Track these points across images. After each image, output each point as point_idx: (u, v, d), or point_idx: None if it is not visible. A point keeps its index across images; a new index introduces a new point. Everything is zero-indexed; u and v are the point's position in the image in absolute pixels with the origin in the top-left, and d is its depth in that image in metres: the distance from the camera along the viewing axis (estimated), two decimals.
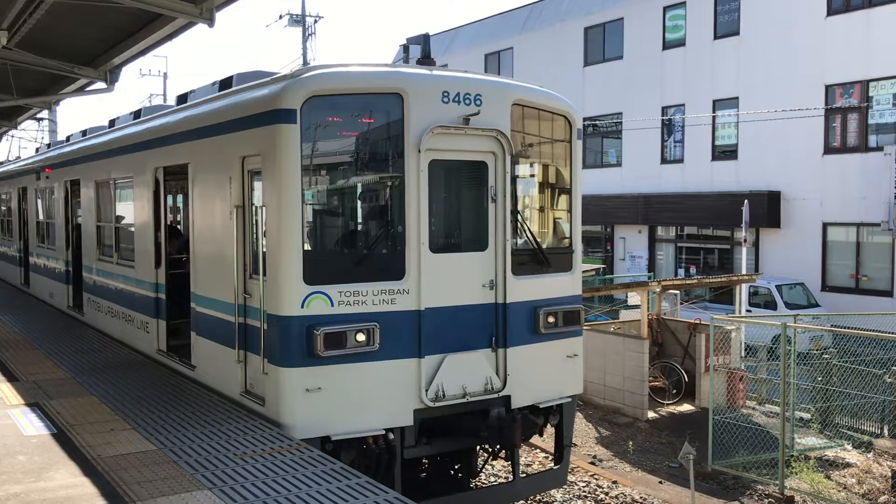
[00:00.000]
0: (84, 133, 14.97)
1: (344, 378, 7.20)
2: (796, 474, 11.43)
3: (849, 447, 12.64)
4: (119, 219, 11.73)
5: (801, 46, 23.86)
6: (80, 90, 16.72)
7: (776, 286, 21.26)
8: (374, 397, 7.34)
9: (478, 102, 7.76)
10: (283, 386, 7.12)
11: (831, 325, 16.80)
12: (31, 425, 7.31)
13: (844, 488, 11.14)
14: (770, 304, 20.95)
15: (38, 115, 24.82)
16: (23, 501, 5.47)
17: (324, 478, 5.97)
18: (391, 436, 7.41)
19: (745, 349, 15.78)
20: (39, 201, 16.59)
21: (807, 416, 13.54)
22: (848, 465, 12.03)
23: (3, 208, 21.04)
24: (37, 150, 20.41)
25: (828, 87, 23.42)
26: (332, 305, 7.14)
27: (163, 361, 9.87)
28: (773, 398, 14.47)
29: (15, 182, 19.03)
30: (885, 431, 12.90)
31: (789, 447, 11.82)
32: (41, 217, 16.40)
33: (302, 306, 7.05)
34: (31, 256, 17.19)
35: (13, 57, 13.46)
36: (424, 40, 8.29)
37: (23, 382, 8.97)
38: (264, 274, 7.35)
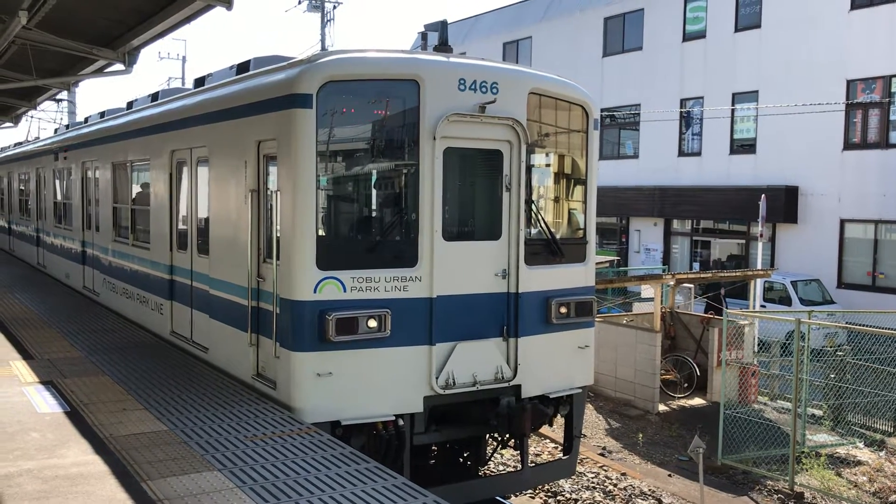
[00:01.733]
0: (102, 115, 15.04)
1: (355, 363, 7.22)
2: (807, 471, 11.39)
3: (861, 445, 12.57)
4: (135, 200, 11.80)
5: (823, 40, 23.60)
6: (99, 72, 16.77)
7: (791, 282, 21.13)
8: (385, 383, 7.36)
9: (494, 90, 7.73)
10: (294, 370, 7.15)
11: (846, 322, 16.69)
12: (45, 403, 7.38)
13: (855, 486, 11.09)
14: (785, 300, 20.83)
15: (57, 97, 24.96)
16: (35, 478, 5.53)
17: (333, 462, 5.99)
18: (401, 422, 7.44)
19: (759, 344, 15.70)
20: (57, 182, 16.70)
21: (819, 412, 13.47)
22: (859, 462, 11.97)
23: (22, 188, 21.20)
24: (55, 131, 20.50)
25: (849, 82, 23.16)
26: (345, 291, 7.16)
27: (176, 343, 9.93)
28: (785, 394, 14.40)
29: (33, 163, 19.17)
30: None
31: (800, 443, 11.78)
32: (58, 198, 16.51)
33: (314, 291, 7.07)
34: (48, 236, 17.32)
35: (33, 37, 13.52)
36: (442, 27, 8.26)
37: (37, 360, 9.06)
38: (278, 258, 7.37)
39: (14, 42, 13.83)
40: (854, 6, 23.05)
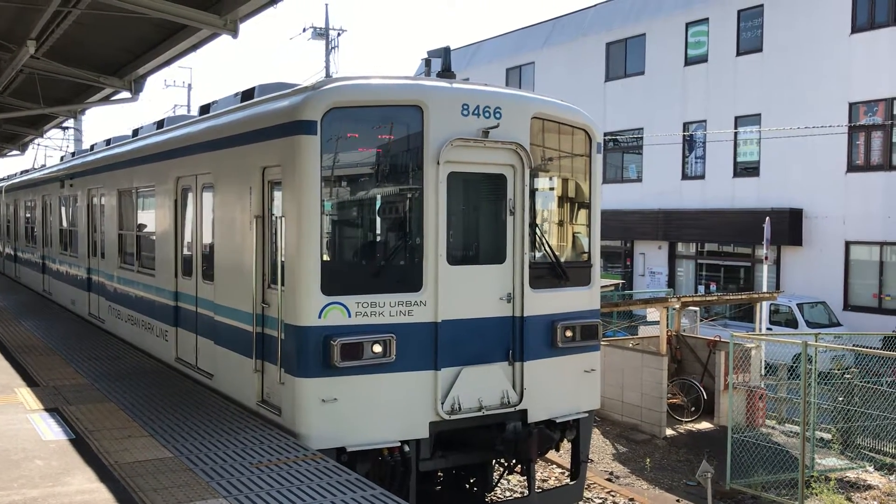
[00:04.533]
0: (108, 142, 15.14)
1: (360, 389, 7.20)
2: (816, 495, 11.27)
3: (870, 469, 12.45)
4: (140, 227, 11.84)
5: (824, 63, 23.71)
6: (105, 100, 16.93)
7: (797, 304, 21.05)
8: (390, 409, 7.34)
9: (497, 115, 7.78)
10: (299, 396, 7.13)
11: (853, 345, 16.61)
12: (50, 430, 7.36)
13: None
14: (791, 323, 20.74)
15: (64, 124, 25.14)
16: None
17: (338, 488, 5.96)
18: (406, 448, 7.40)
19: (766, 368, 15.61)
20: (63, 209, 16.78)
21: (827, 436, 13.37)
22: (869, 486, 11.86)
23: (28, 216, 21.29)
24: (61, 158, 20.64)
25: (851, 105, 23.23)
26: (350, 316, 7.16)
27: (181, 369, 9.92)
28: (793, 417, 14.30)
29: (39, 190, 19.27)
30: None
31: (809, 467, 11.68)
32: (64, 225, 16.58)
33: (319, 317, 7.07)
34: (54, 263, 17.37)
35: (40, 66, 13.67)
36: (445, 53, 8.33)
37: (43, 387, 9.05)
38: (283, 284, 7.38)
39: (22, 71, 13.99)
40: (855, 29, 23.18)
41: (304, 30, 39.60)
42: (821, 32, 23.86)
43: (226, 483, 5.99)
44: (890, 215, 22.13)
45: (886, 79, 22.34)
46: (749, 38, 26.19)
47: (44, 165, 24.22)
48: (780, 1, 25.07)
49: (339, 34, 39.26)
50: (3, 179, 28.29)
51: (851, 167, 23.35)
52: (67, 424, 7.54)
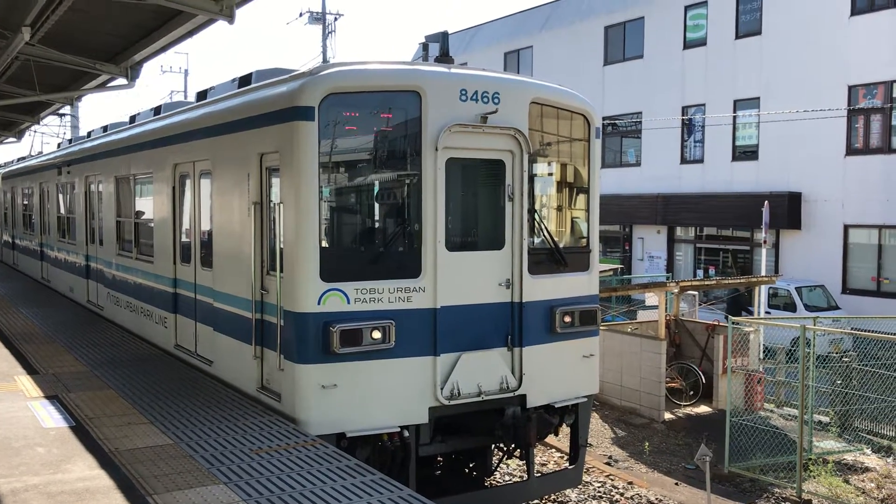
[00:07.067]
0: (105, 129, 15.09)
1: (359, 375, 7.22)
2: (814, 478, 11.33)
3: (868, 451, 12.51)
4: (139, 214, 11.82)
5: (824, 46, 23.62)
6: (102, 86, 16.85)
7: (796, 288, 21.08)
8: (390, 395, 7.36)
9: (496, 101, 7.75)
10: (299, 382, 7.15)
11: (852, 328, 16.64)
12: (50, 417, 7.38)
13: (863, 493, 11.03)
14: (790, 307, 20.77)
15: (60, 111, 25.02)
16: (41, 493, 5.52)
17: (339, 474, 5.98)
18: (406, 433, 7.42)
19: (764, 351, 15.65)
20: (60, 196, 16.74)
21: (825, 419, 13.42)
22: (867, 469, 11.91)
23: (25, 203, 21.26)
24: (58, 145, 20.58)
25: (851, 88, 23.16)
26: (349, 303, 7.16)
27: (180, 356, 9.93)
28: (791, 401, 14.35)
29: (36, 177, 19.22)
30: None
31: (807, 450, 11.73)
32: (62, 212, 16.55)
33: (318, 303, 7.08)
34: (52, 251, 17.36)
35: (36, 53, 13.58)
36: (443, 38, 8.28)
37: (42, 375, 9.06)
38: (281, 270, 7.37)
39: (17, 58, 13.90)
40: (854, 12, 23.08)
41: (301, 14, 39.47)
42: (820, 15, 23.75)
43: (226, 469, 6.01)
44: (889, 198, 22.11)
45: (885, 61, 22.26)
46: (748, 20, 26.07)
47: (41, 152, 24.16)
48: None
49: (335, 19, 39.09)
50: (0, 167, 28.22)
51: (850, 150, 23.30)
52: (67, 412, 7.56)
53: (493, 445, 8.82)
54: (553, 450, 12.24)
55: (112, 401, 7.99)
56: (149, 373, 9.25)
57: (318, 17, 38.39)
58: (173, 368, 9.52)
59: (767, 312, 19.80)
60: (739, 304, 20.84)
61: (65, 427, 7.10)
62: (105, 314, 13.26)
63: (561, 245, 8.61)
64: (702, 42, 27.58)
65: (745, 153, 26.28)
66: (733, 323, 13.31)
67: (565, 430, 9.02)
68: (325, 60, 37.40)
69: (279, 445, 6.61)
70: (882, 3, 22.53)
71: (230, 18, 10.35)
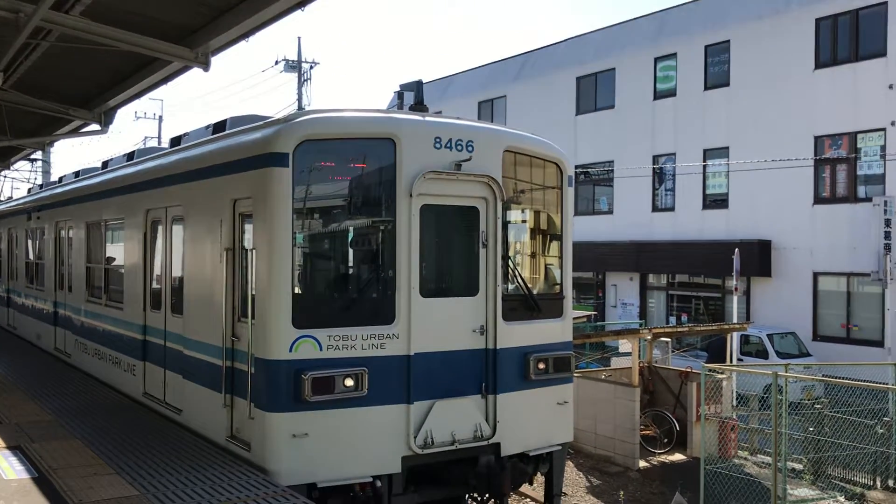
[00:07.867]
0: (77, 174, 14.98)
1: (331, 424, 7.11)
2: None
3: (841, 499, 12.50)
4: (109, 260, 11.69)
5: (790, 98, 24.20)
6: (75, 132, 16.81)
7: (767, 335, 21.23)
8: (362, 443, 7.25)
9: (469, 148, 7.81)
10: (269, 431, 7.02)
11: (823, 375, 16.75)
12: (12, 469, 7.17)
13: None
14: (762, 353, 20.89)
15: (32, 156, 24.88)
16: None
17: None
18: (378, 483, 7.30)
19: (737, 398, 15.69)
20: (29, 242, 16.53)
21: (799, 466, 13.42)
22: None
23: None
24: (29, 190, 20.40)
25: (817, 139, 23.70)
26: (321, 349, 7.09)
27: (149, 405, 9.74)
28: (764, 448, 14.35)
29: (5, 223, 18.98)
30: (878, 483, 12.78)
31: (781, 498, 11.69)
32: (30, 258, 16.32)
33: (290, 350, 7.00)
34: (19, 297, 17.07)
35: (8, 98, 13.55)
36: (417, 87, 8.37)
37: (5, 425, 8.82)
38: (253, 317, 7.29)
39: None
40: (818, 65, 23.71)
41: (277, 62, 39.71)
42: (786, 67, 24.37)
43: None
44: (856, 246, 22.48)
45: (849, 113, 22.83)
46: (716, 72, 26.69)
47: (10, 198, 23.90)
48: (746, 37, 25.63)
49: (311, 67, 39.44)
50: None
51: (818, 199, 23.74)
52: (30, 462, 7.35)
53: (467, 495, 8.70)
54: (528, 499, 12.10)
55: (77, 451, 7.79)
56: (116, 422, 9.04)
57: (294, 66, 38.71)
58: (141, 417, 9.32)
59: (740, 359, 19.89)
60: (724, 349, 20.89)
61: (27, 478, 6.89)
62: (72, 361, 13.01)
63: (535, 292, 8.62)
64: (671, 93, 28.13)
65: (716, 201, 26.66)
66: (707, 370, 13.34)
67: (540, 479, 8.93)
68: (300, 108, 37.61)
69: (248, 497, 6.46)
70: (845, 57, 23.18)
71: (205, 66, 10.42)
